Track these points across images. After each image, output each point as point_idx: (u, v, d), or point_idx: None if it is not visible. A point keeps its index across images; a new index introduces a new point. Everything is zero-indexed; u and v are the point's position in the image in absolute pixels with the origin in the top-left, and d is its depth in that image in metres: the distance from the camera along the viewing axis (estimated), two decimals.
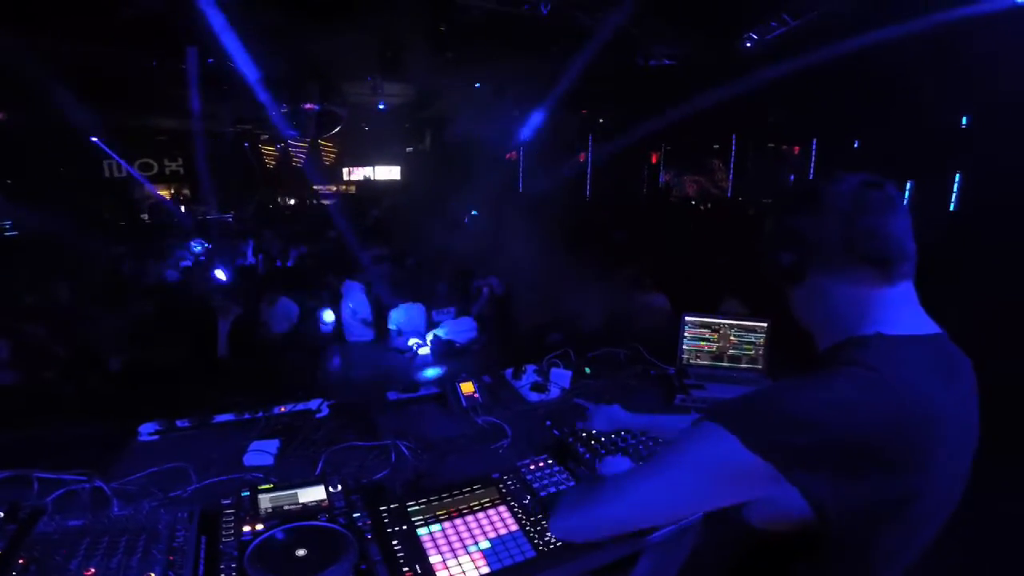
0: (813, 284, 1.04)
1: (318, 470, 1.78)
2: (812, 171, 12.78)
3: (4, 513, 1.41)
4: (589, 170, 15.23)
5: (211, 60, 7.19)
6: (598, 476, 1.48)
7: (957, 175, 8.88)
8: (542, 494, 1.59)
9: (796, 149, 13.40)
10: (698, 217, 14.38)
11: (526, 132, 12.35)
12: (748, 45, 7.42)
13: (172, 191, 14.80)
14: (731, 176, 14.50)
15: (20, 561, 1.27)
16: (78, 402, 3.69)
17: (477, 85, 9.85)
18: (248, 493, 1.52)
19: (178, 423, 2.09)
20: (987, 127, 7.95)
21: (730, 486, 0.97)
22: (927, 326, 1.03)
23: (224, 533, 1.39)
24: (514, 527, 1.47)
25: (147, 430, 2.05)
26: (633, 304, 6.13)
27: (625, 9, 6.28)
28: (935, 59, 7.11)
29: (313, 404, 2.22)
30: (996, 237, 6.68)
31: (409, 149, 16.14)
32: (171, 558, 1.32)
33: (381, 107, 11.19)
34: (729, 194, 14.57)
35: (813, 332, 1.10)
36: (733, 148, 13.98)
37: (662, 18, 6.49)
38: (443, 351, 5.34)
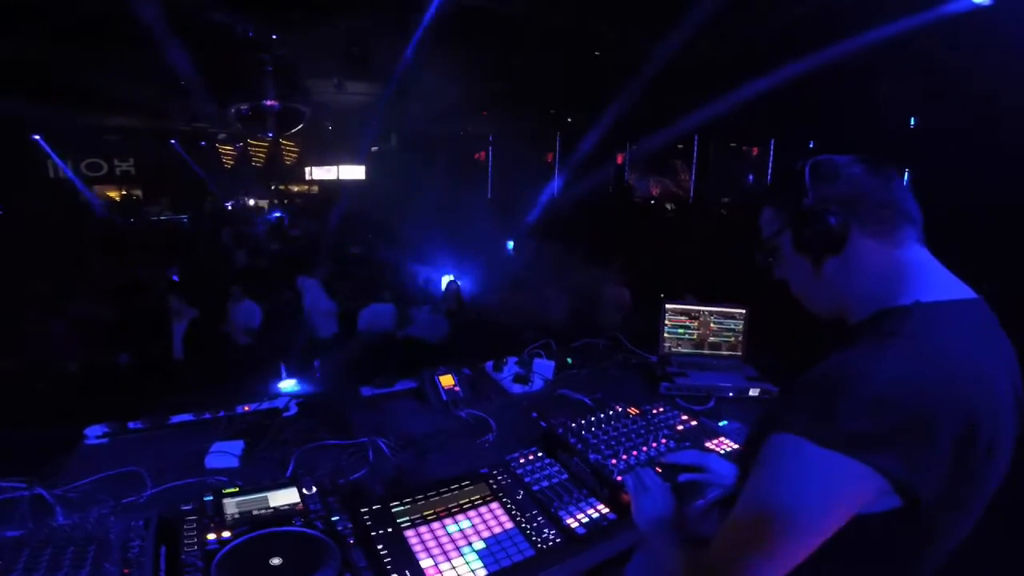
0: (853, 248, 0.99)
1: (289, 471, 1.64)
2: (770, 171, 13.15)
3: None
4: (557, 170, 15.28)
5: (169, 55, 6.84)
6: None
7: (906, 173, 9.26)
8: (535, 488, 1.50)
9: (755, 150, 13.76)
10: (663, 216, 14.60)
11: (496, 132, 12.31)
12: (713, 46, 7.54)
13: (123, 192, 14.10)
14: (693, 177, 14.77)
15: None
16: (19, 407, 3.41)
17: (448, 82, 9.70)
18: (212, 498, 1.38)
19: (130, 425, 1.90)
20: (934, 128, 8.30)
21: (840, 499, 0.84)
22: (963, 290, 0.99)
23: (186, 542, 1.25)
24: (509, 525, 1.37)
25: (94, 433, 1.85)
26: (601, 298, 6.16)
27: (595, 7, 6.27)
28: (887, 63, 7.39)
29: (280, 402, 2.06)
30: (942, 235, 6.97)
31: (374, 148, 15.84)
32: (125, 571, 1.17)
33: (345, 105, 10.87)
34: (692, 194, 14.84)
35: (840, 307, 1.05)
36: (695, 149, 14.24)
37: (630, 17, 6.49)
38: (414, 348, 5.20)
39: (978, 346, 0.90)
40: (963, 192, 6.80)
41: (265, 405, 2.04)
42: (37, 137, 11.68)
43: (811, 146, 11.63)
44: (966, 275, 1.01)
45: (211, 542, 1.24)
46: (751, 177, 13.77)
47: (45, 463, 1.65)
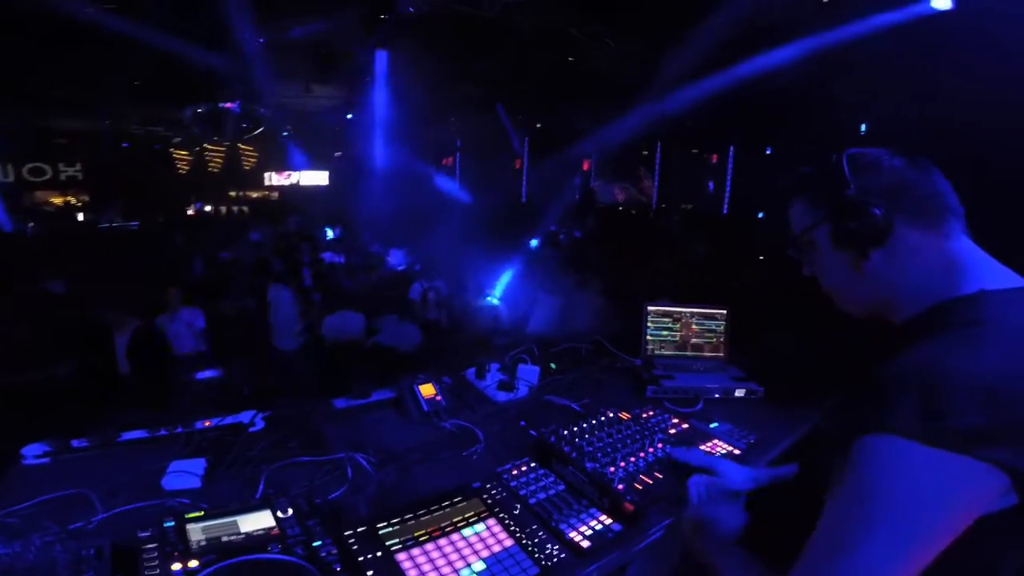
0: (899, 240, 0.95)
1: (259, 492, 1.49)
2: (729, 177, 13.49)
3: None
4: (525, 176, 15.29)
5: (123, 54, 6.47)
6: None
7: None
8: (531, 502, 1.41)
9: (715, 157, 14.09)
10: (628, 222, 14.77)
11: (463, 138, 12.20)
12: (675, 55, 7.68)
13: (68, 198, 13.32)
14: (656, 183, 15.02)
15: None
16: None
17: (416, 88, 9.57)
18: (173, 523, 1.23)
19: (73, 443, 1.71)
20: (882, 135, 8.66)
21: (961, 502, 0.78)
22: (1021, 279, 0.94)
23: (147, 572, 1.11)
24: (509, 542, 1.26)
25: (33, 452, 1.66)
26: (573, 303, 6.14)
27: (564, 12, 6.28)
28: (839, 70, 7.67)
29: (245, 416, 1.89)
30: None
31: (338, 154, 15.50)
32: None
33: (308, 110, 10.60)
34: (655, 201, 15.09)
35: (884, 303, 1.00)
36: (658, 155, 14.48)
37: (598, 23, 6.53)
38: (385, 359, 5.02)
39: None
40: None
41: (228, 420, 1.88)
42: None
43: (768, 152, 12.00)
44: None
45: (176, 573, 1.11)
46: (711, 184, 14.08)
47: None
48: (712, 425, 1.96)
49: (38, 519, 1.33)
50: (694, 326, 2.66)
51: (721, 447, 1.78)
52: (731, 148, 13.35)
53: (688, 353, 2.62)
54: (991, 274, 0.93)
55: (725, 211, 13.16)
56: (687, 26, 6.53)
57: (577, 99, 9.28)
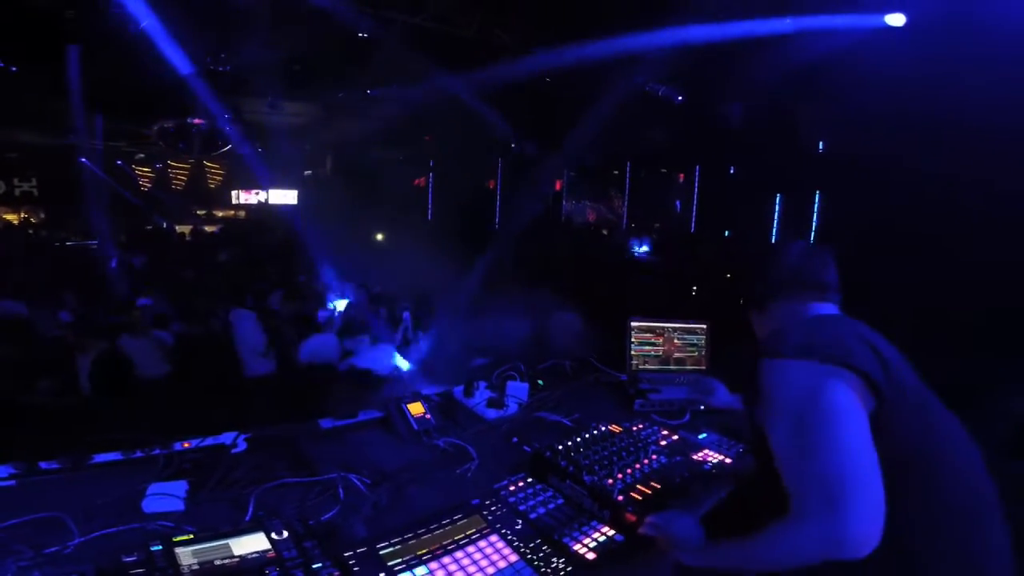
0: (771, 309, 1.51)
1: (249, 514, 1.43)
2: (696, 196, 13.85)
3: None
4: (499, 196, 15.37)
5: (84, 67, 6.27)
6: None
7: (816, 193, 10.04)
8: (532, 516, 1.39)
9: (681, 176, 14.47)
10: (600, 242, 14.96)
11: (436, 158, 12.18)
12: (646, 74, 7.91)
13: (22, 215, 12.72)
14: (626, 203, 15.31)
15: None
16: None
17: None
18: (161, 547, 1.17)
19: (42, 465, 1.61)
20: (840, 152, 9.05)
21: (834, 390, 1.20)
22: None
23: None
24: (514, 558, 1.25)
25: None
26: (551, 323, 6.16)
27: (541, 32, 6.40)
28: (797, 91, 8.01)
29: (227, 438, 1.83)
30: (850, 250, 7.58)
31: (308, 172, 15.30)
32: None
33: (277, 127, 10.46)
34: (624, 220, 15.35)
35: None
36: (628, 175, 14.78)
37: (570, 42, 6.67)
38: (361, 381, 4.91)
39: None
40: (870, 211, 7.44)
41: (208, 441, 1.80)
42: None
43: (731, 172, 12.39)
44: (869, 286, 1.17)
45: None
46: (678, 203, 14.42)
47: None
48: (701, 436, 1.98)
49: (9, 543, 1.25)
50: (676, 340, 2.70)
51: (713, 457, 1.80)
52: (696, 168, 13.74)
53: (671, 367, 2.65)
54: (818, 312, 1.45)
55: (692, 229, 13.48)
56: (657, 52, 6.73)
57: (551, 119, 9.42)
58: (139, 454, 1.72)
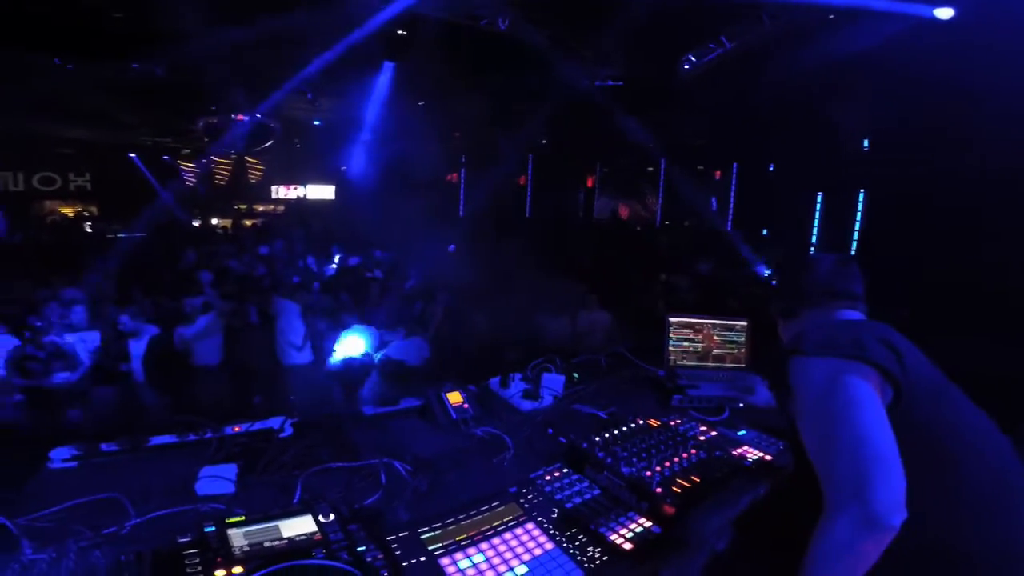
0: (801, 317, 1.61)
1: (297, 497, 1.48)
2: (733, 194, 13.53)
3: None
4: (530, 191, 15.35)
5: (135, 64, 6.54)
6: None
7: (861, 193, 9.69)
8: (568, 506, 1.40)
9: (718, 174, 14.16)
10: (633, 239, 14.79)
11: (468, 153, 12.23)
12: (686, 67, 7.74)
13: (77, 208, 13.38)
14: (660, 200, 15.07)
15: None
16: None
17: (421, 103, 9.66)
18: (214, 528, 1.22)
19: (102, 447, 1.69)
20: (886, 151, 8.71)
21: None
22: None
23: None
24: (549, 545, 1.26)
25: (60, 456, 1.64)
26: (578, 321, 6.15)
27: (574, 28, 6.36)
28: (840, 88, 7.74)
29: (275, 423, 1.89)
30: (895, 251, 7.32)
31: (344, 168, 15.59)
32: None
33: (316, 123, 10.70)
34: (659, 218, 15.12)
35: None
36: (662, 172, 14.55)
37: (608, 37, 6.61)
38: (396, 372, 5.01)
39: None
40: (916, 210, 7.16)
41: (257, 425, 1.87)
42: None
43: (771, 169, 12.06)
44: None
45: None
46: (714, 201, 14.11)
47: (2, 490, 1.46)
48: (740, 433, 1.95)
49: (69, 524, 1.31)
50: (716, 337, 2.66)
51: (752, 453, 1.77)
52: (735, 165, 13.43)
53: (710, 363, 2.62)
54: (843, 317, 1.55)
55: (729, 227, 13.19)
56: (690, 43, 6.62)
57: (583, 115, 9.36)
58: (192, 437, 1.80)
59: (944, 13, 5.22)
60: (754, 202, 12.40)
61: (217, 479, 1.54)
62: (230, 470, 1.59)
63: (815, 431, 1.30)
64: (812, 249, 10.57)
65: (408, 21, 5.97)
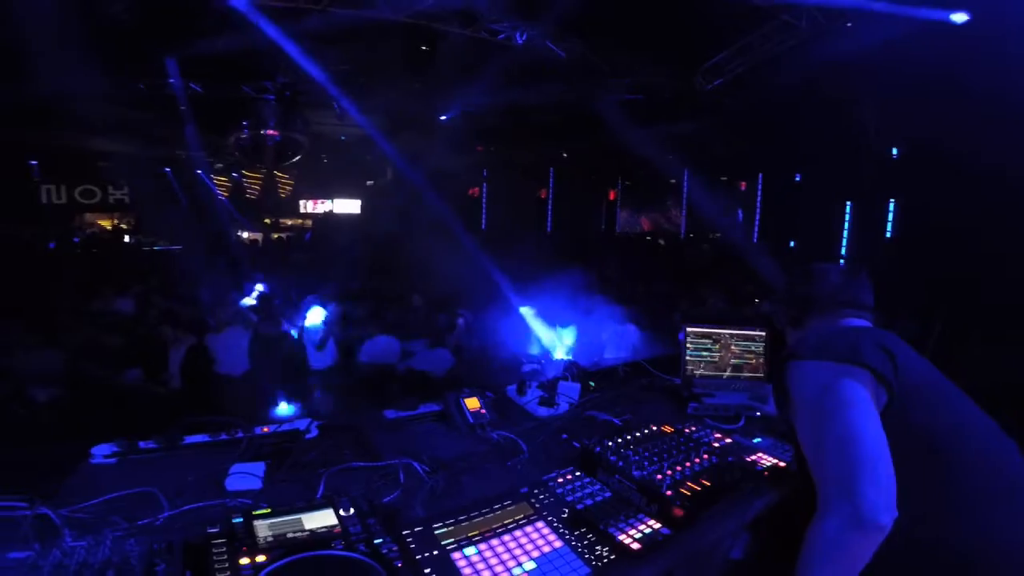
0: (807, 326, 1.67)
1: (320, 492, 1.55)
2: (759, 206, 13.37)
3: None
4: (550, 204, 15.43)
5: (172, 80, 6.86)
6: None
7: (891, 202, 9.50)
8: (579, 507, 1.44)
9: (743, 185, 14.03)
10: (656, 251, 14.72)
11: (489, 168, 12.36)
12: (706, 79, 7.76)
13: (115, 221, 13.94)
14: (684, 211, 14.98)
15: None
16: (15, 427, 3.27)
17: (443, 117, 9.85)
18: (241, 519, 1.29)
19: (141, 444, 1.79)
20: (916, 158, 8.53)
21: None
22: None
23: (217, 566, 1.15)
24: (558, 543, 1.30)
25: (102, 452, 1.74)
26: (604, 330, 6.14)
27: (593, 41, 6.45)
28: (869, 95, 7.65)
29: (301, 424, 1.97)
30: (928, 262, 7.16)
31: (370, 183, 15.93)
32: None
33: (343, 138, 10.98)
34: (683, 229, 15.01)
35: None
36: (685, 184, 14.48)
37: (626, 50, 6.69)
38: (419, 382, 5.10)
39: None
40: (949, 218, 6.99)
41: (285, 426, 1.95)
42: (34, 162, 11.52)
43: (797, 179, 11.89)
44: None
45: (245, 567, 1.15)
46: (740, 212, 13.97)
47: (46, 483, 1.54)
48: (755, 440, 1.96)
49: (107, 515, 1.39)
50: (734, 347, 2.66)
51: (766, 460, 1.78)
52: (759, 176, 13.30)
53: (728, 373, 2.62)
54: (847, 324, 1.60)
55: (755, 239, 13.03)
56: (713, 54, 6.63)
57: (604, 128, 9.41)
58: (224, 437, 1.89)
59: (959, 18, 5.18)
60: (780, 213, 12.25)
61: (246, 475, 1.62)
62: (258, 467, 1.67)
63: (810, 432, 1.35)
64: (842, 261, 10.40)
65: (429, 36, 6.14)
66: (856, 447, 1.22)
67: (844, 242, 10.46)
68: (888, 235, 9.63)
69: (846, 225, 10.43)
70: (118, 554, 1.19)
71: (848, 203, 10.34)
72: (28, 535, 1.27)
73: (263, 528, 1.28)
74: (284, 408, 4.27)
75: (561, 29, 6.35)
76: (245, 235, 15.92)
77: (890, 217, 9.60)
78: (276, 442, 1.85)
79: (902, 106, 7.51)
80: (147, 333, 5.07)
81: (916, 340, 1.64)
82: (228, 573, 1.14)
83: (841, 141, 8.98)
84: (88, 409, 3.27)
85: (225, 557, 1.18)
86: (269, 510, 1.34)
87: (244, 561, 1.17)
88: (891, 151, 9.19)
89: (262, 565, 1.16)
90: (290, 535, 1.26)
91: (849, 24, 5.66)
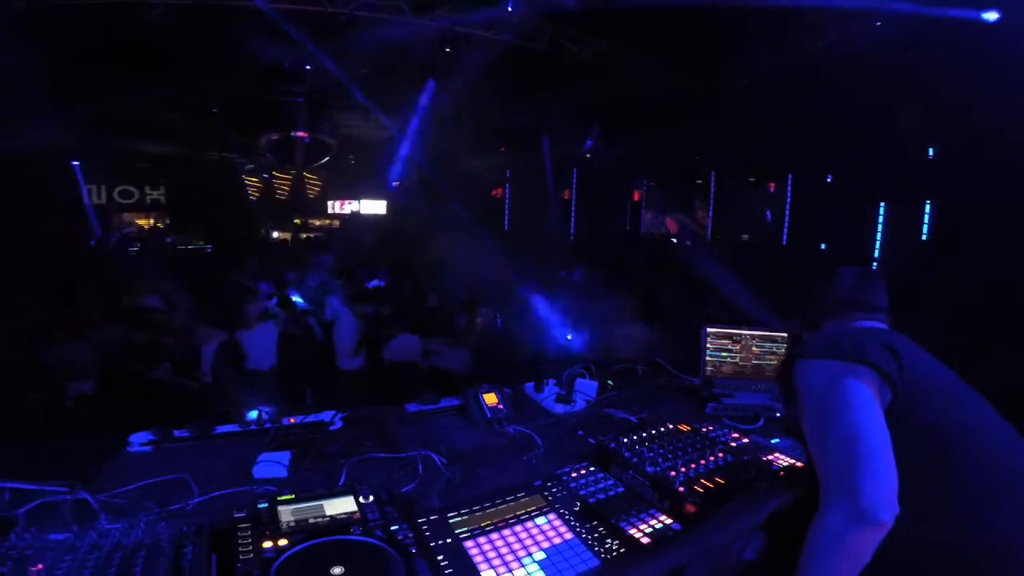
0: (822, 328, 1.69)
1: (341, 482, 1.61)
2: (788, 207, 13.09)
3: None
4: (574, 206, 15.37)
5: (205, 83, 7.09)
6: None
7: (927, 204, 9.21)
8: (591, 501, 1.46)
9: (772, 186, 13.75)
10: (681, 254, 14.53)
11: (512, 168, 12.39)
12: (731, 80, 7.66)
13: (152, 220, 14.42)
14: (711, 213, 14.75)
15: None
16: (58, 418, 3.44)
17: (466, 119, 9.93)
18: (266, 505, 1.35)
19: (175, 433, 1.88)
20: (953, 158, 8.27)
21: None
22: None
23: (241, 549, 1.20)
24: (569, 535, 1.32)
25: (139, 440, 1.84)
26: (624, 331, 6.12)
27: (616, 42, 6.43)
28: (902, 93, 7.43)
29: (326, 416, 2.05)
30: (965, 265, 6.92)
31: (395, 183, 16.14)
32: None
33: (369, 140, 11.14)
34: (709, 232, 14.79)
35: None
36: (712, 185, 14.27)
37: (651, 51, 6.65)
38: (442, 380, 5.16)
39: None
40: (989, 221, 6.75)
41: (311, 418, 2.03)
42: (76, 163, 11.97)
43: (828, 180, 11.61)
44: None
45: (267, 550, 1.20)
46: (768, 213, 13.70)
47: (86, 469, 1.63)
48: (774, 440, 1.95)
49: (142, 500, 1.47)
50: (755, 348, 2.64)
51: (784, 460, 1.77)
52: (789, 176, 13.02)
53: (748, 375, 2.60)
54: (860, 325, 1.62)
55: (784, 242, 12.77)
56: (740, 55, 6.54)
57: (627, 129, 9.36)
58: (253, 427, 1.97)
59: (990, 16, 5.03)
60: (811, 214, 11.98)
61: (272, 464, 1.69)
62: (284, 457, 1.73)
63: (814, 430, 1.37)
64: (874, 264, 10.13)
65: (452, 39, 6.21)
66: (858, 444, 1.24)
67: (877, 244, 10.19)
68: (924, 237, 9.35)
69: (879, 227, 10.17)
70: (150, 537, 1.26)
71: (882, 204, 10.08)
72: (67, 518, 1.35)
73: (286, 513, 1.33)
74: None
75: (584, 32, 6.36)
76: (275, 235, 16.30)
77: (926, 219, 9.33)
78: (302, 433, 1.93)
79: (938, 104, 7.29)
80: (178, 329, 5.25)
81: (947, 343, 1.63)
82: (251, 555, 1.19)
83: (874, 141, 8.75)
84: (122, 402, 3.42)
85: (249, 540, 1.24)
86: (292, 496, 1.40)
87: (267, 544, 1.22)
88: (927, 151, 8.92)
89: (283, 549, 1.21)
90: (311, 520, 1.32)
91: (879, 23, 5.52)
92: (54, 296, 5.72)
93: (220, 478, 1.61)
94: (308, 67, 6.77)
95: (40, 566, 1.13)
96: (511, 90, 7.82)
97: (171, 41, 6.34)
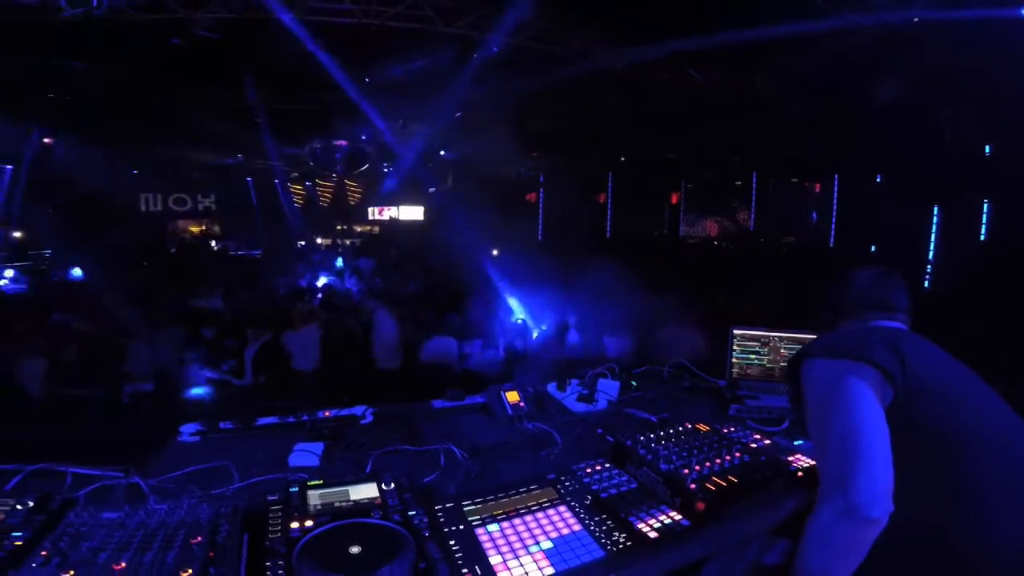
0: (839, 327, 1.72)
1: (368, 469, 1.71)
2: (835, 207, 12.63)
3: (33, 504, 1.35)
4: (610, 210, 15.27)
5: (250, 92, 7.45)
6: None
7: (984, 203, 8.76)
8: (603, 496, 1.50)
9: (817, 186, 13.30)
10: (722, 256, 14.23)
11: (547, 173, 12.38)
12: (769, 80, 7.49)
13: (203, 227, 15.14)
14: (752, 214, 14.39)
15: (43, 553, 1.19)
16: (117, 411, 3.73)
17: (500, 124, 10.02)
18: (296, 489, 1.45)
19: (221, 425, 2.04)
20: (1011, 155, 7.85)
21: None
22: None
23: (271, 529, 1.31)
24: (577, 527, 1.37)
25: (188, 430, 2.00)
26: (657, 337, 6.07)
27: (652, 44, 6.41)
28: (952, 90, 7.10)
29: (358, 410, 2.17)
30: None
31: (432, 189, 16.43)
32: (211, 554, 1.24)
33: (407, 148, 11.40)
34: (751, 234, 14.40)
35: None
36: (754, 185, 13.92)
37: (687, 52, 6.58)
38: (473, 382, 5.26)
39: None
40: None
41: (344, 412, 2.15)
42: (135, 171, 12.69)
43: (878, 180, 11.16)
44: None
45: (294, 530, 1.30)
46: (814, 215, 13.26)
47: (141, 456, 1.79)
48: (797, 442, 1.94)
49: (187, 485, 1.61)
50: (783, 351, 2.62)
51: (804, 462, 1.76)
52: (835, 176, 12.59)
53: (776, 376, 2.58)
54: (875, 324, 1.64)
55: (832, 244, 12.35)
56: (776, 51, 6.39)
57: (662, 131, 9.27)
58: (291, 419, 2.11)
59: None
60: (859, 216, 11.53)
61: (307, 453, 1.81)
62: (318, 447, 1.86)
63: (816, 427, 1.40)
64: (929, 266, 9.71)
65: (479, 46, 6.33)
66: (855, 441, 1.26)
67: (932, 246, 9.76)
68: (982, 238, 8.91)
69: (933, 228, 9.73)
70: (191, 517, 1.38)
71: (935, 206, 9.65)
72: (120, 499, 1.52)
73: (314, 497, 1.43)
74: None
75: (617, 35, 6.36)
76: (320, 240, 16.84)
77: (983, 219, 8.89)
78: (335, 425, 2.05)
79: (995, 99, 6.95)
80: (226, 329, 5.54)
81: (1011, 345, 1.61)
82: (279, 535, 1.29)
83: (926, 139, 8.39)
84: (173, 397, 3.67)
85: (279, 521, 1.34)
86: (321, 482, 1.50)
87: (294, 525, 1.32)
88: (983, 148, 8.50)
89: (309, 529, 1.30)
90: (336, 504, 1.41)
91: (916, 19, 5.31)
92: (137, 298, 6.14)
93: (259, 466, 1.74)
94: (345, 77, 7.04)
95: (93, 544, 1.25)
96: (540, 94, 7.86)
97: (217, 52, 6.68)
